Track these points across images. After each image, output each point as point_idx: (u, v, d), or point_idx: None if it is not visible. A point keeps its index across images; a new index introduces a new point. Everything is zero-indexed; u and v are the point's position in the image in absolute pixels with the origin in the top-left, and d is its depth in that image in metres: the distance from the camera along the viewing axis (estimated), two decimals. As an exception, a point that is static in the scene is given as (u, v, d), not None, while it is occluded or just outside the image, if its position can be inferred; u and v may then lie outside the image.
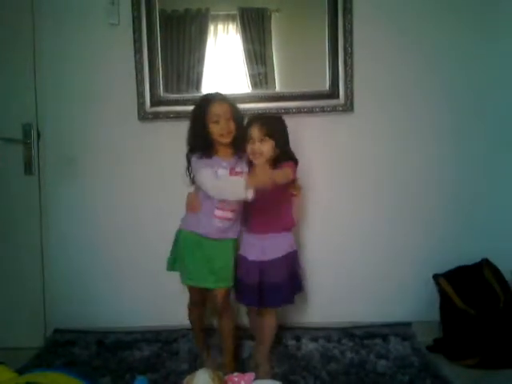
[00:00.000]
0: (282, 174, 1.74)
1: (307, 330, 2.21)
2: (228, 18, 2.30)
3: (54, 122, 2.27)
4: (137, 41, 2.21)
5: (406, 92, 2.23)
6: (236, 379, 1.45)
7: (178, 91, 2.28)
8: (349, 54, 2.19)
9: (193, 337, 2.08)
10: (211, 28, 2.28)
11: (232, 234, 1.84)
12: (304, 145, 2.26)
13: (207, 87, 2.27)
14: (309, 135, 2.25)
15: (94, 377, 1.83)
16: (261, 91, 2.27)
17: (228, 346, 1.89)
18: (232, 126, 1.80)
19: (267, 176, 1.66)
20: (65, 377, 1.38)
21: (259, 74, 2.29)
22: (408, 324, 2.23)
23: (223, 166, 1.80)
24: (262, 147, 1.80)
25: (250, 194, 1.67)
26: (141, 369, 1.93)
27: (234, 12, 2.27)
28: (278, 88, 2.28)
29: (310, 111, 2.22)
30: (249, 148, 1.82)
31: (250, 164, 1.85)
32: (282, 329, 2.21)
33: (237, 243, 1.87)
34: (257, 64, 2.28)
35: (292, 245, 1.88)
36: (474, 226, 2.24)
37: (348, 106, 2.22)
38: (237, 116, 1.84)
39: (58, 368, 1.77)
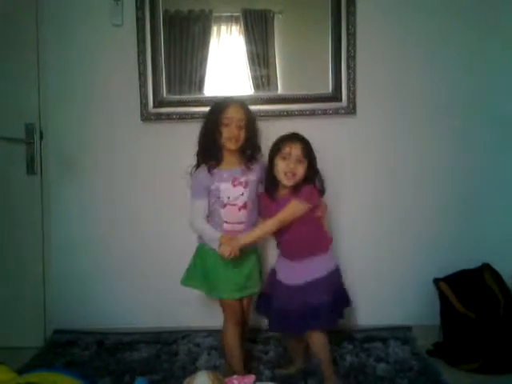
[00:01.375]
0: (269, 225, 1.70)
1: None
2: (231, 19, 2.30)
3: (56, 122, 2.27)
4: (140, 42, 2.22)
5: (409, 95, 2.23)
6: (236, 382, 1.45)
7: (181, 92, 2.28)
8: (352, 57, 2.20)
9: (228, 361, 1.85)
10: (214, 29, 2.29)
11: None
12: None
13: (210, 89, 2.28)
14: (311, 138, 2.23)
15: (94, 377, 1.83)
16: (263, 93, 2.27)
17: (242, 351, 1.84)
18: (242, 134, 1.76)
19: (232, 249, 1.64)
20: (65, 377, 1.38)
21: (262, 76, 2.29)
22: (408, 328, 2.23)
23: (224, 179, 1.76)
24: (299, 169, 1.73)
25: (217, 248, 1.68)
26: (140, 370, 1.93)
27: (237, 13, 2.28)
28: (281, 90, 2.28)
29: (313, 114, 2.22)
30: (282, 165, 1.73)
31: (274, 180, 1.77)
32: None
33: (257, 253, 1.87)
34: (259, 66, 2.28)
35: (332, 264, 1.80)
36: (475, 231, 2.24)
37: (351, 109, 2.22)
38: (251, 126, 1.80)
39: (57, 368, 1.77)
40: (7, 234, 2.22)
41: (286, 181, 1.73)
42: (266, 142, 2.23)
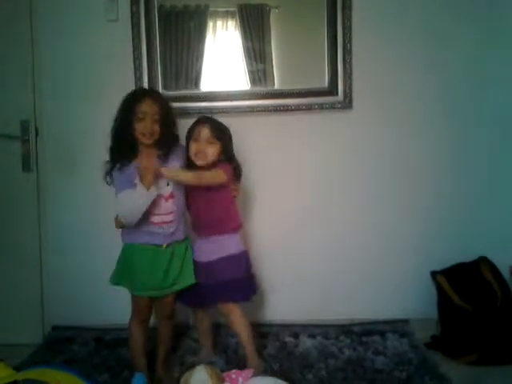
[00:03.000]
0: (190, 174, 1.74)
1: (305, 326, 2.22)
2: (227, 14, 2.29)
3: (52, 119, 2.26)
4: (135, 37, 2.21)
5: (405, 89, 2.23)
6: (234, 376, 1.46)
7: (177, 88, 2.27)
8: (348, 51, 2.19)
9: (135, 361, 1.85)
10: (210, 24, 2.28)
11: (178, 236, 1.80)
12: (302, 142, 2.26)
13: (206, 84, 2.27)
14: (307, 132, 2.25)
15: (93, 374, 1.83)
16: (259, 88, 2.26)
17: (168, 349, 1.91)
18: (157, 127, 1.73)
19: (151, 174, 1.65)
20: (63, 374, 1.37)
21: (258, 71, 2.28)
22: (406, 321, 2.23)
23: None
24: (209, 149, 1.78)
25: (153, 193, 1.66)
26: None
27: (233, 8, 2.27)
28: (277, 85, 2.27)
29: (309, 108, 2.22)
30: (193, 147, 1.79)
31: (191, 165, 1.81)
32: (280, 325, 2.22)
33: (189, 244, 1.86)
34: (256, 61, 2.28)
35: (239, 246, 1.86)
36: (472, 224, 2.25)
37: (347, 103, 2.21)
38: (166, 118, 1.76)
39: (56, 365, 1.77)
40: (3, 231, 2.21)
41: (198, 161, 1.79)
42: (264, 138, 2.25)
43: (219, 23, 2.29)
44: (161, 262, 1.76)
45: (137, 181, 1.67)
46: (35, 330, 2.23)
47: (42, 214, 2.26)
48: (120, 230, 1.81)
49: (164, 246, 1.76)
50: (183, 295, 1.87)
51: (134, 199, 1.67)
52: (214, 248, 1.83)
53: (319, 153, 2.26)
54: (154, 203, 1.71)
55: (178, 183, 1.76)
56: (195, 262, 1.85)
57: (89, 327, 2.25)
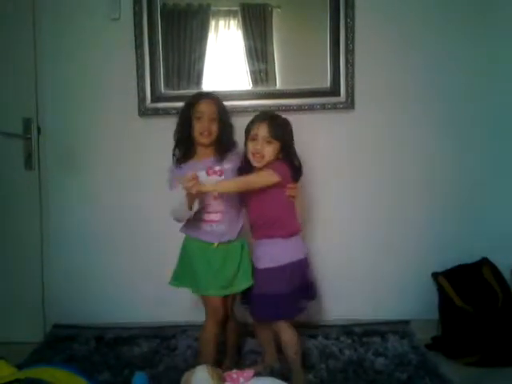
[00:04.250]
0: (232, 184, 1.68)
1: (306, 327, 2.21)
2: (229, 13, 2.29)
3: (54, 117, 2.26)
4: (138, 36, 2.21)
5: (407, 90, 2.22)
6: (235, 376, 1.45)
7: (179, 87, 2.27)
8: (350, 51, 2.19)
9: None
10: (212, 24, 2.28)
11: (230, 236, 1.76)
12: (304, 142, 2.26)
13: (208, 83, 2.27)
14: (309, 132, 2.25)
15: (93, 372, 1.84)
16: (261, 88, 2.26)
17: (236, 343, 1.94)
18: (215, 127, 1.75)
19: (193, 188, 1.57)
20: (64, 372, 1.38)
21: (260, 71, 2.28)
22: (407, 322, 2.23)
23: (200, 169, 1.73)
24: (266, 149, 1.68)
25: (189, 213, 1.68)
26: (139, 364, 1.93)
27: (236, 8, 2.27)
28: (279, 85, 2.27)
29: (311, 108, 2.22)
30: (250, 147, 1.71)
31: (248, 164, 1.74)
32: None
33: (245, 244, 1.81)
34: (257, 61, 2.27)
35: (297, 253, 1.73)
36: (474, 225, 2.25)
37: (349, 104, 2.21)
38: (223, 119, 1.78)
39: (57, 364, 1.77)
40: (5, 229, 2.22)
41: (255, 162, 1.70)
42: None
43: (221, 22, 2.29)
44: (214, 261, 1.74)
45: (183, 206, 1.67)
46: (36, 329, 2.24)
47: (43, 211, 2.26)
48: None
49: (215, 244, 1.74)
50: (246, 298, 1.80)
51: (178, 208, 1.69)
52: (262, 253, 1.73)
53: (321, 153, 2.26)
54: (204, 201, 1.74)
55: (219, 195, 1.70)
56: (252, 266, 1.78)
57: (90, 326, 2.25)
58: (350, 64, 2.19)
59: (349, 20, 2.18)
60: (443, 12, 2.19)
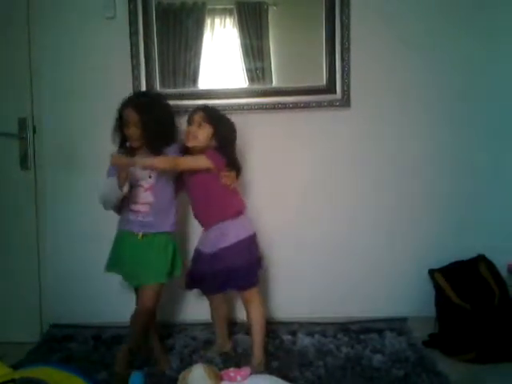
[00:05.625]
0: (162, 159, 1.77)
1: (303, 324, 2.22)
2: (225, 11, 2.29)
3: (49, 116, 2.25)
4: (133, 34, 2.20)
5: (403, 87, 2.23)
6: (232, 374, 1.45)
7: (175, 85, 2.27)
8: (346, 49, 2.19)
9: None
10: (208, 22, 2.28)
11: (158, 228, 1.84)
12: (300, 140, 2.26)
13: (204, 81, 2.27)
14: (305, 130, 2.25)
15: (91, 372, 1.83)
16: (258, 86, 2.26)
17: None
18: (137, 132, 1.82)
19: (124, 171, 1.72)
20: (61, 372, 1.37)
21: (256, 69, 2.28)
22: (404, 319, 2.24)
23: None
24: (199, 131, 1.82)
25: (124, 189, 1.76)
26: (137, 364, 1.93)
27: (231, 6, 2.27)
28: (275, 83, 2.27)
29: (307, 106, 2.22)
30: (186, 131, 1.86)
31: (184, 149, 1.87)
32: (278, 323, 2.22)
33: (171, 237, 1.89)
34: (253, 58, 2.27)
35: (243, 231, 1.85)
36: (470, 222, 2.25)
37: (345, 101, 2.21)
38: (149, 124, 1.81)
39: (54, 363, 1.77)
40: (1, 229, 2.21)
41: (188, 142, 1.84)
42: (262, 136, 2.24)
43: (217, 20, 2.29)
44: (137, 250, 1.83)
45: (114, 185, 1.77)
46: (34, 328, 2.23)
47: (39, 211, 2.26)
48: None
49: (140, 234, 1.83)
50: (190, 282, 1.93)
51: (108, 190, 1.81)
52: (218, 237, 1.83)
53: (317, 151, 2.26)
54: (135, 192, 1.84)
55: (154, 169, 1.81)
56: (201, 253, 1.89)
57: (87, 325, 2.25)
58: (345, 62, 2.20)
59: (344, 18, 2.18)
60: (439, 9, 2.19)
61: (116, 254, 1.90)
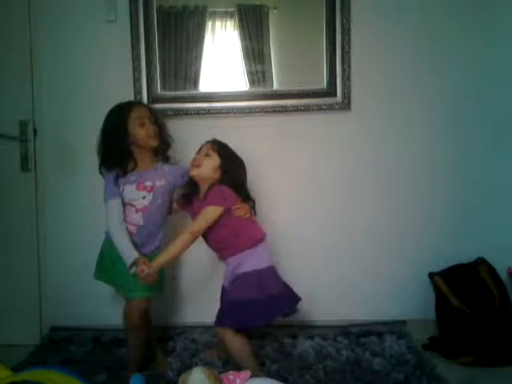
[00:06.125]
0: (179, 245, 1.69)
1: (303, 327, 2.22)
2: (226, 14, 2.29)
3: (50, 119, 2.26)
4: (134, 37, 2.20)
5: (404, 90, 2.23)
6: (231, 377, 1.45)
7: (176, 88, 2.27)
8: (346, 52, 2.19)
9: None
10: (209, 25, 2.27)
11: (142, 250, 1.79)
12: (301, 143, 2.26)
13: (205, 85, 2.27)
14: (305, 133, 2.25)
15: (90, 374, 1.83)
16: (258, 89, 2.26)
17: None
18: (156, 129, 1.78)
19: (150, 277, 1.65)
20: (61, 375, 1.37)
21: (257, 72, 2.28)
22: (403, 322, 2.24)
23: (130, 182, 1.77)
24: (205, 160, 1.76)
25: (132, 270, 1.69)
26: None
27: (232, 9, 2.27)
28: (276, 86, 2.27)
29: (307, 109, 2.22)
30: (192, 158, 1.80)
31: (193, 183, 1.82)
32: (278, 326, 2.22)
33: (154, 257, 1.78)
34: (254, 61, 2.27)
35: (261, 261, 1.76)
36: (470, 225, 2.25)
37: (345, 104, 2.21)
38: (158, 120, 1.82)
39: (53, 366, 1.76)
40: (2, 231, 2.21)
41: (191, 170, 1.78)
42: (263, 139, 2.24)
43: (218, 23, 2.29)
44: (121, 263, 1.75)
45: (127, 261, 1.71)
46: (33, 331, 2.23)
47: (40, 214, 2.26)
48: None
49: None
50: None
51: (120, 249, 1.74)
52: (236, 268, 1.76)
53: (317, 154, 2.26)
54: (126, 211, 1.79)
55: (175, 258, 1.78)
56: (223, 289, 1.85)
57: (87, 328, 2.25)
58: (346, 65, 2.20)
59: (345, 21, 2.18)
60: (440, 12, 2.19)
61: (103, 262, 1.86)
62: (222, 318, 1.74)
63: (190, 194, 1.86)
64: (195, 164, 1.77)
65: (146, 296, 1.77)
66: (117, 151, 1.77)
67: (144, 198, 1.78)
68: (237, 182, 1.79)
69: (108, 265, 1.82)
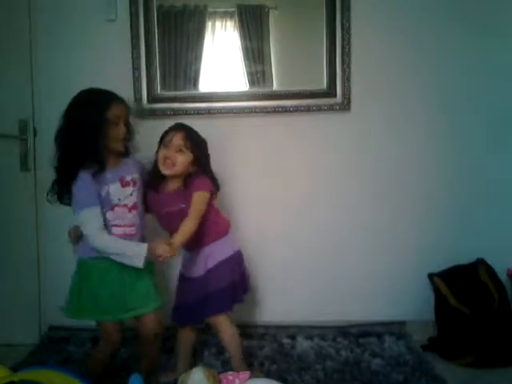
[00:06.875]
0: (187, 225, 1.62)
1: (302, 328, 2.22)
2: (226, 15, 2.29)
3: (50, 118, 2.22)
4: (134, 37, 2.20)
5: (404, 91, 2.23)
6: (231, 377, 1.46)
7: (175, 88, 2.27)
8: (346, 53, 2.19)
9: None
10: (209, 25, 2.28)
11: None
12: (300, 143, 2.26)
13: (205, 85, 2.27)
14: (305, 134, 2.25)
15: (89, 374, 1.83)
16: (258, 89, 2.26)
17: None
18: (125, 129, 1.64)
19: (169, 253, 1.56)
20: (59, 374, 1.37)
21: (257, 72, 2.28)
22: (403, 323, 2.24)
23: (111, 181, 1.60)
24: (179, 157, 1.66)
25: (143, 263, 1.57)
26: (136, 366, 1.92)
27: (232, 9, 2.27)
28: (276, 86, 2.27)
29: (307, 110, 2.22)
30: (161, 154, 1.67)
31: (157, 172, 1.70)
32: (278, 327, 2.22)
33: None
34: (254, 62, 2.28)
35: (231, 248, 1.78)
36: (470, 226, 2.25)
37: (345, 105, 2.21)
38: (128, 118, 1.68)
39: (52, 366, 1.76)
40: (1, 231, 2.21)
41: (164, 169, 1.66)
42: (262, 139, 2.24)
43: (218, 24, 2.29)
44: (128, 279, 1.63)
45: (139, 260, 1.57)
46: (32, 330, 2.23)
47: (39, 213, 2.25)
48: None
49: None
50: (175, 313, 1.81)
51: (127, 252, 1.58)
52: (202, 260, 1.74)
53: (317, 154, 2.26)
54: (118, 214, 1.62)
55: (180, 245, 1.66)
56: (185, 278, 1.81)
57: (85, 327, 2.23)
58: (346, 65, 2.20)
59: (345, 21, 2.18)
60: (441, 13, 2.19)
61: (83, 295, 1.64)
62: (216, 305, 1.73)
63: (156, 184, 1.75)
64: (169, 162, 1.66)
65: (161, 304, 1.69)
66: (93, 146, 1.57)
67: (131, 194, 1.65)
68: (210, 171, 1.77)
69: (98, 294, 1.62)
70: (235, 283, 1.77)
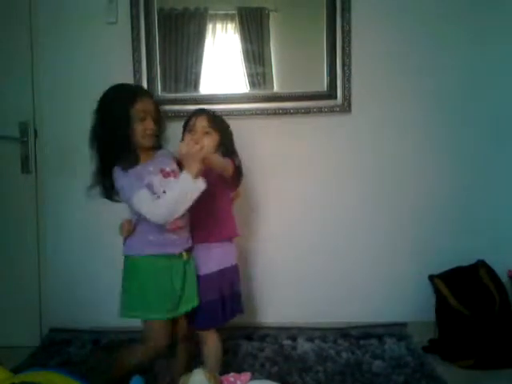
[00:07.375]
0: (219, 160, 1.54)
1: (303, 329, 2.22)
2: (226, 17, 2.30)
3: (51, 120, 2.26)
4: (135, 39, 2.21)
5: (404, 93, 2.23)
6: (232, 379, 1.45)
7: (176, 91, 2.27)
8: (347, 55, 2.20)
9: None
10: (209, 27, 2.28)
11: (190, 242, 1.61)
12: (301, 145, 2.27)
13: (205, 86, 2.28)
14: (306, 135, 2.26)
15: (89, 376, 1.83)
16: (259, 91, 2.27)
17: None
18: (154, 125, 1.56)
19: (199, 155, 1.43)
20: (60, 376, 1.37)
21: (257, 74, 2.28)
22: (403, 324, 2.23)
23: (153, 173, 1.53)
24: (205, 140, 1.59)
25: (201, 184, 1.43)
26: (136, 368, 1.92)
27: (233, 11, 2.27)
28: (276, 88, 2.28)
29: (308, 112, 2.22)
30: (187, 139, 1.60)
31: (179, 164, 1.59)
32: (278, 329, 2.22)
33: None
34: (255, 64, 2.28)
35: (229, 259, 1.66)
36: (471, 227, 2.25)
37: (346, 107, 2.22)
38: (159, 114, 1.61)
39: (53, 368, 1.76)
40: (2, 233, 2.21)
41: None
42: (263, 141, 2.25)
43: (219, 26, 2.29)
44: (178, 275, 1.56)
45: (174, 168, 1.51)
46: (33, 332, 2.23)
47: (40, 215, 2.26)
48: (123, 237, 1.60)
49: (184, 254, 1.56)
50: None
51: (179, 194, 1.44)
52: (201, 258, 1.63)
53: (318, 156, 2.26)
54: None
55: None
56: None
57: (86, 330, 2.25)
58: (346, 67, 2.20)
59: (345, 23, 2.19)
60: (441, 14, 2.20)
61: (142, 286, 1.54)
62: (206, 320, 1.62)
63: None
64: (196, 147, 1.51)
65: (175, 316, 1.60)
66: (122, 142, 1.52)
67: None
68: (235, 152, 1.68)
69: (147, 291, 1.54)
70: (225, 299, 1.64)
